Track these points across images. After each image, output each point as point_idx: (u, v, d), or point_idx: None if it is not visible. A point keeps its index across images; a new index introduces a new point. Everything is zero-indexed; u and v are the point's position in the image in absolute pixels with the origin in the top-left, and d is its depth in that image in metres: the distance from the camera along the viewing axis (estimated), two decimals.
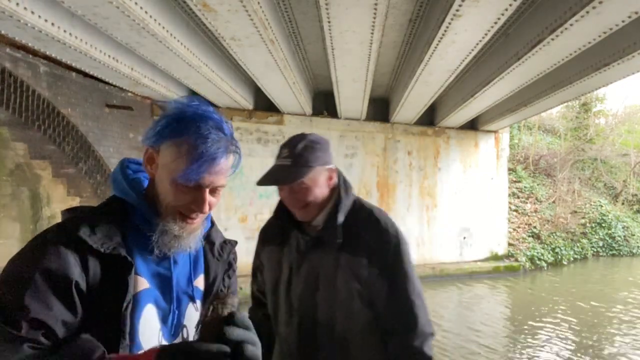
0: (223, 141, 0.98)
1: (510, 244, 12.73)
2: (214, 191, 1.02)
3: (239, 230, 9.70)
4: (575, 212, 15.07)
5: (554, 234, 13.76)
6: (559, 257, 13.22)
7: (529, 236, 13.42)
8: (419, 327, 1.54)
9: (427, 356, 1.54)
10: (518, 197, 14.85)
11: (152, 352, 0.86)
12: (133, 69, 6.60)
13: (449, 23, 4.85)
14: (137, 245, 1.00)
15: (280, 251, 1.69)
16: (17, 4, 4.10)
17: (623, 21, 4.71)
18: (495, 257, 12.30)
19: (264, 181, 1.59)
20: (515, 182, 15.18)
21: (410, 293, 1.57)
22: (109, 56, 5.88)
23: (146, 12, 4.60)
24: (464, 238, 12.07)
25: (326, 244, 1.59)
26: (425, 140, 11.70)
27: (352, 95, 8.46)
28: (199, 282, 1.12)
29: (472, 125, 11.96)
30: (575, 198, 15.48)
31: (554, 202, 15.00)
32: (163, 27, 5.06)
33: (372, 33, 5.17)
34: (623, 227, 15.21)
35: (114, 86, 7.57)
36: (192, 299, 1.09)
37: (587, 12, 4.44)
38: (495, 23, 4.89)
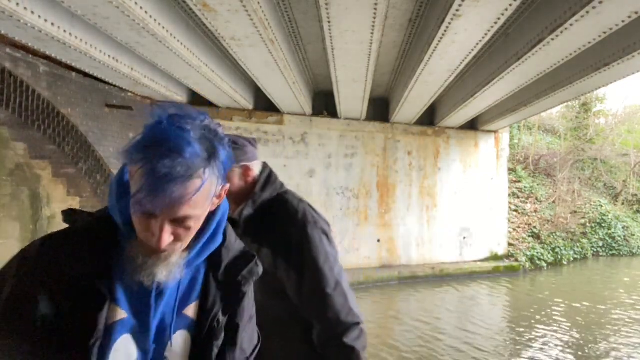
0: (177, 167, 0.83)
1: (510, 244, 12.73)
2: (180, 221, 0.89)
3: None
4: (575, 212, 15.07)
5: (554, 234, 13.76)
6: (559, 257, 13.22)
7: (529, 236, 13.42)
8: (340, 318, 1.51)
9: (350, 347, 1.49)
10: (518, 197, 14.85)
11: None
12: (133, 69, 6.60)
13: (449, 23, 4.85)
14: (122, 268, 0.93)
15: None
16: (17, 4, 4.10)
17: (623, 21, 4.71)
18: (495, 257, 12.30)
19: None
20: (515, 182, 15.19)
21: (325, 285, 1.53)
22: (109, 56, 5.88)
23: (146, 12, 4.60)
24: (464, 238, 12.07)
25: (240, 236, 1.62)
26: (425, 140, 11.70)
27: (352, 95, 8.46)
28: (190, 311, 1.02)
29: (472, 125, 11.97)
30: (575, 198, 15.48)
31: (554, 202, 15.00)
32: (163, 27, 5.06)
33: (372, 33, 5.17)
34: (623, 227, 15.22)
35: (114, 86, 7.57)
36: (180, 329, 1.00)
37: (587, 12, 4.44)
38: (495, 23, 4.89)
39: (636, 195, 17.37)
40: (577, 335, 7.36)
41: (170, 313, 0.99)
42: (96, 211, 1.04)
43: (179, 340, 1.00)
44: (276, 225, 1.63)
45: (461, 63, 6.33)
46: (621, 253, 14.72)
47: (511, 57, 6.20)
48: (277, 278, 1.56)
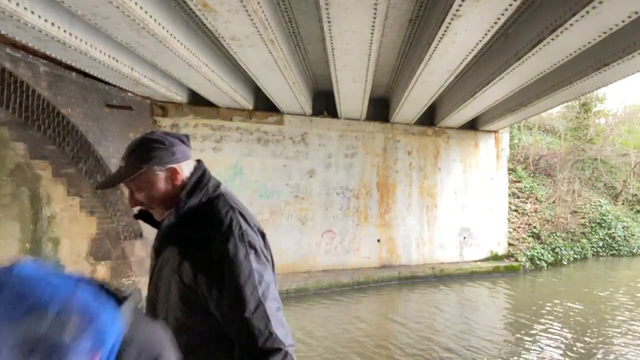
0: None
1: (510, 244, 12.74)
2: None
3: None
4: (575, 212, 15.07)
5: (554, 234, 13.76)
6: (559, 257, 13.22)
7: (529, 236, 13.42)
8: (257, 344, 1.37)
9: None
10: (518, 197, 14.85)
11: None
12: (133, 69, 6.60)
13: (449, 23, 4.85)
14: None
15: (153, 249, 1.68)
16: (17, 4, 4.10)
17: (623, 21, 4.71)
18: (495, 257, 12.30)
19: (99, 185, 1.56)
20: (515, 182, 15.19)
21: (244, 308, 1.38)
22: (109, 56, 5.88)
23: (146, 12, 4.60)
24: (464, 238, 12.07)
25: (168, 244, 1.54)
26: (425, 140, 11.71)
27: (352, 95, 8.46)
28: None
29: (472, 125, 11.97)
30: (575, 198, 15.48)
31: (554, 202, 15.00)
32: (163, 27, 5.07)
33: (372, 33, 5.17)
34: (623, 227, 15.22)
35: (114, 86, 7.57)
36: None
37: (587, 12, 4.44)
38: (495, 23, 4.89)
39: (636, 195, 17.37)
40: (577, 336, 7.36)
41: None
42: None
43: None
44: (199, 236, 1.48)
45: (461, 63, 6.33)
46: (621, 253, 14.72)
47: (511, 57, 6.20)
48: (198, 294, 1.44)
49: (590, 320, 8.14)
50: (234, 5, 4.45)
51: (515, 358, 6.38)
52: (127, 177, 1.51)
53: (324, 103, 10.44)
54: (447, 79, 7.20)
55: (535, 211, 14.48)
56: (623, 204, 16.91)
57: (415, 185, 11.60)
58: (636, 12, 4.50)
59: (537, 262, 12.56)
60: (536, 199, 15.06)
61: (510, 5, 4.44)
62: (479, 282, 10.90)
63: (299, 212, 10.36)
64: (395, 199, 11.38)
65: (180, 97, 8.87)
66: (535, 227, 13.73)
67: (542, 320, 8.09)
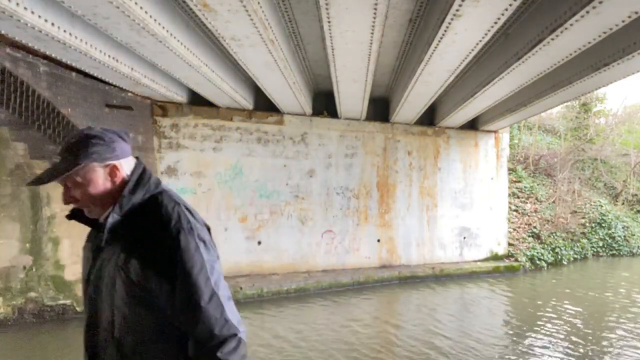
0: None
1: (510, 244, 12.74)
2: None
3: (239, 230, 9.71)
4: (575, 212, 15.07)
5: (554, 234, 13.76)
6: (559, 257, 13.22)
7: (529, 236, 13.42)
8: (214, 331, 1.43)
9: None
10: (518, 197, 14.85)
11: None
12: (133, 69, 6.60)
13: (449, 23, 4.85)
14: None
15: (89, 249, 1.65)
16: (17, 4, 4.10)
17: (623, 21, 4.71)
18: (495, 257, 12.31)
19: (32, 181, 1.51)
20: (515, 182, 15.19)
21: (199, 298, 1.43)
22: (109, 56, 5.88)
23: (146, 12, 4.60)
24: (464, 238, 12.08)
25: (111, 243, 1.52)
26: (425, 140, 11.71)
27: (352, 95, 8.46)
28: None
29: (472, 125, 11.98)
30: (575, 198, 15.48)
31: (554, 202, 15.00)
32: (163, 27, 5.07)
33: (372, 33, 5.17)
34: (623, 227, 15.22)
35: (114, 86, 7.57)
36: None
37: (587, 12, 4.44)
38: (495, 23, 4.89)
39: (636, 195, 17.37)
40: (576, 338, 7.35)
41: None
42: None
43: None
44: (147, 232, 1.48)
45: (461, 63, 6.33)
46: (621, 253, 14.72)
47: (511, 57, 6.20)
48: (146, 290, 1.44)
49: (589, 322, 8.14)
50: (234, 5, 4.45)
51: (514, 358, 6.38)
52: (64, 173, 1.47)
53: (324, 103, 10.45)
54: (447, 79, 7.20)
55: (535, 211, 14.48)
56: (623, 204, 16.91)
57: (415, 185, 11.60)
58: (636, 12, 4.50)
59: (537, 262, 12.56)
60: (536, 199, 15.06)
61: (510, 5, 4.44)
62: (479, 282, 10.90)
63: (299, 212, 10.36)
64: (395, 199, 11.38)
65: (180, 97, 8.87)
66: (535, 227, 13.74)
67: (542, 321, 8.09)
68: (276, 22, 5.58)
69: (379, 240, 11.18)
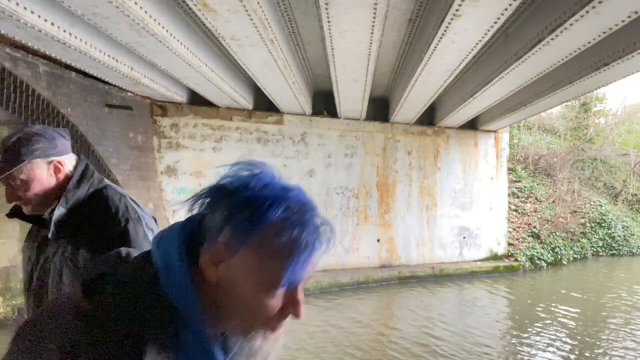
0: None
1: (510, 244, 12.73)
2: None
3: None
4: (575, 212, 15.07)
5: (554, 234, 13.76)
6: (559, 257, 13.22)
7: (529, 236, 13.42)
8: None
9: None
10: (518, 197, 14.84)
11: None
12: (133, 69, 6.60)
13: (449, 23, 4.85)
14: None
15: (30, 247, 1.63)
16: (17, 4, 4.11)
17: (623, 21, 4.71)
18: (495, 257, 12.30)
19: None
20: (515, 182, 15.18)
21: None
22: (109, 56, 5.88)
23: (146, 12, 4.60)
24: (464, 238, 12.07)
25: (57, 237, 1.52)
26: (425, 140, 11.70)
27: (352, 95, 8.46)
28: None
29: (472, 125, 11.96)
30: (575, 198, 15.47)
31: (554, 202, 15.00)
32: (163, 27, 5.07)
33: (372, 33, 5.17)
34: (623, 227, 15.22)
35: (114, 86, 7.56)
36: None
37: (587, 12, 4.44)
38: (495, 23, 4.89)
39: (636, 195, 17.37)
40: (576, 338, 7.35)
41: None
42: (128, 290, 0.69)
43: None
44: (94, 224, 1.49)
45: (461, 63, 6.33)
46: (621, 253, 14.72)
47: (511, 57, 6.20)
48: None
49: (589, 323, 8.13)
50: (234, 5, 4.45)
51: (513, 357, 6.38)
52: (8, 171, 1.45)
53: (324, 103, 10.44)
54: (447, 79, 7.20)
55: (535, 211, 14.48)
56: (623, 204, 16.91)
57: (415, 185, 11.59)
58: (636, 12, 4.50)
59: (537, 262, 12.56)
60: (536, 199, 15.05)
61: (510, 5, 4.44)
62: (479, 282, 10.90)
63: None
64: (395, 199, 11.37)
65: (180, 97, 8.87)
66: (535, 227, 13.73)
67: (541, 322, 8.08)
68: (276, 22, 5.58)
69: (379, 240, 11.18)
